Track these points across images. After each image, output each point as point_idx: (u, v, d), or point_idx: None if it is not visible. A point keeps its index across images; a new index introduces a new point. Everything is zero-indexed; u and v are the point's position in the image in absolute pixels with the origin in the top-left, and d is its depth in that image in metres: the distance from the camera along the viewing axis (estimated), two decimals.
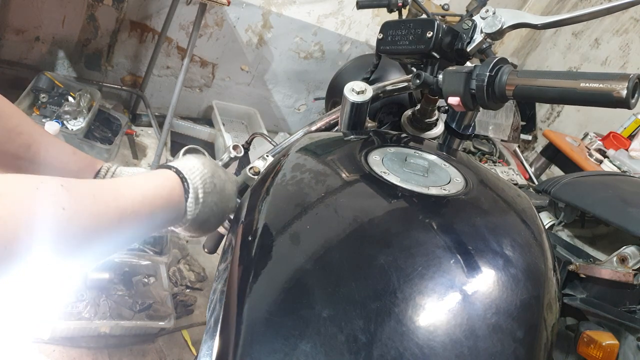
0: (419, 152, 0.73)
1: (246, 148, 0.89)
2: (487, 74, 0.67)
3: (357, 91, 0.81)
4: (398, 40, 0.83)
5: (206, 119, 3.18)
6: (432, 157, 0.72)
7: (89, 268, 0.49)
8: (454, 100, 0.71)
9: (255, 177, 0.78)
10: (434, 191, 0.62)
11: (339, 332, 0.43)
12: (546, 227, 1.17)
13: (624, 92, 0.54)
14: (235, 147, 0.87)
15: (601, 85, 0.56)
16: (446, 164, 0.70)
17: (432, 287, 0.48)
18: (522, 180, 2.28)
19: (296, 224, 0.55)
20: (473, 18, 0.79)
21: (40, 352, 1.55)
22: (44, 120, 2.24)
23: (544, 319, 0.51)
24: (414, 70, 0.85)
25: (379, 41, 0.87)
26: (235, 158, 0.88)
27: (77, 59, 2.67)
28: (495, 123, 2.44)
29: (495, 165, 2.38)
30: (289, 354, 0.42)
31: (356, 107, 0.81)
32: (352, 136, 0.79)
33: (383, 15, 3.05)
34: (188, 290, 2.02)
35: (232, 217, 0.72)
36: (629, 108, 0.55)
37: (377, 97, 0.87)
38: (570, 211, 1.14)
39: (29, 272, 0.41)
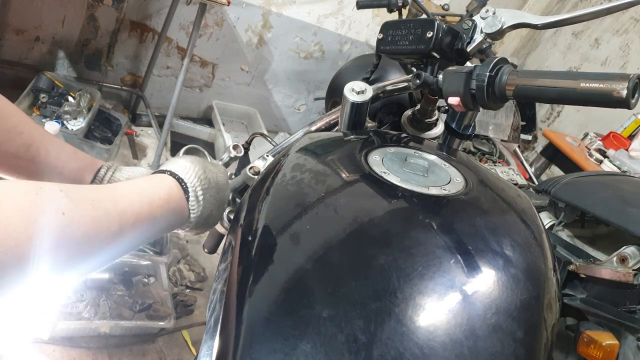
0: (419, 152, 0.73)
1: (246, 148, 0.89)
2: (487, 74, 0.67)
3: (357, 91, 0.81)
4: (398, 40, 0.83)
5: (206, 119, 3.18)
6: (432, 157, 0.72)
7: (91, 273, 0.49)
8: (454, 100, 0.71)
9: (255, 177, 0.78)
10: (434, 191, 0.62)
11: (339, 332, 0.43)
12: (546, 227, 1.17)
13: (624, 92, 0.54)
14: (235, 147, 0.87)
15: (601, 85, 0.55)
16: (446, 164, 0.70)
17: (432, 287, 0.48)
18: (522, 180, 2.28)
19: (296, 224, 0.55)
20: (473, 18, 0.79)
21: (40, 352, 1.55)
22: (44, 120, 2.24)
23: (544, 319, 0.51)
24: (414, 70, 0.85)
25: (379, 41, 0.87)
26: (235, 158, 0.88)
27: (77, 59, 2.67)
28: (495, 123, 2.44)
29: (495, 165, 2.38)
30: (289, 354, 0.42)
31: (356, 107, 0.81)
32: (352, 136, 0.79)
33: (383, 15, 3.05)
34: (188, 290, 2.02)
35: (232, 217, 0.72)
36: (629, 108, 0.55)
37: (377, 97, 0.87)
38: (570, 211, 1.14)
39: (30, 277, 0.41)
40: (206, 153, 0.85)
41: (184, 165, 0.63)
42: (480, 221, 0.59)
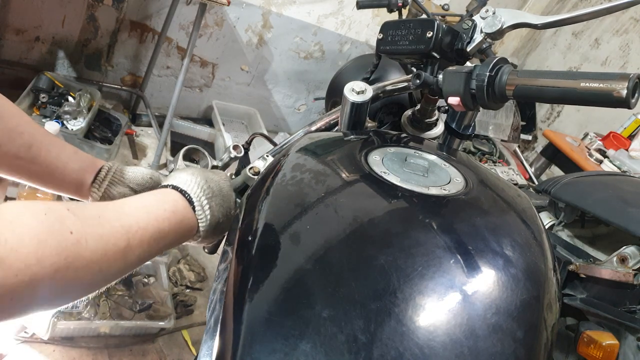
0: (419, 152, 0.73)
1: (246, 148, 0.89)
2: (487, 73, 0.67)
3: (357, 91, 0.81)
4: (398, 40, 0.83)
5: (206, 119, 3.18)
6: (432, 157, 0.72)
7: (101, 290, 0.50)
8: (454, 100, 0.71)
9: (255, 177, 0.78)
10: (434, 191, 0.62)
11: (339, 332, 0.43)
12: (546, 227, 1.17)
13: (624, 92, 0.54)
14: (235, 147, 0.87)
15: (601, 85, 0.55)
16: (446, 164, 0.70)
17: (432, 287, 0.48)
18: (522, 180, 2.28)
19: (296, 224, 0.54)
20: (473, 18, 0.79)
21: (40, 352, 1.55)
22: (44, 120, 2.24)
23: (544, 319, 0.51)
24: (414, 70, 0.85)
25: (379, 41, 0.87)
26: (235, 158, 0.88)
27: (77, 59, 2.67)
28: (495, 123, 2.44)
29: (495, 165, 2.38)
30: (289, 354, 0.42)
31: (356, 107, 0.81)
32: (352, 136, 0.79)
33: (383, 15, 3.05)
34: (188, 290, 2.02)
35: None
36: (629, 108, 0.55)
37: (377, 97, 0.87)
38: (570, 211, 1.14)
39: (40, 299, 0.41)
40: (206, 153, 0.85)
41: (185, 177, 0.64)
42: (480, 221, 0.59)
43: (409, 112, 0.93)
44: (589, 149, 2.59)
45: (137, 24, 2.68)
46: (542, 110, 3.46)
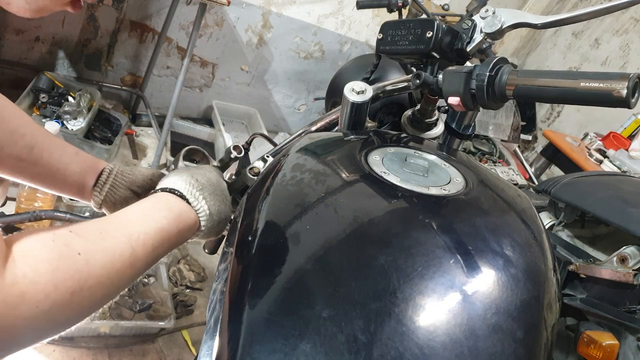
0: (419, 152, 0.73)
1: (246, 148, 0.89)
2: (487, 73, 0.67)
3: (357, 91, 0.81)
4: (398, 40, 0.83)
5: (206, 119, 3.18)
6: (432, 157, 0.72)
7: (114, 299, 0.51)
8: (454, 100, 0.71)
9: (255, 177, 0.78)
10: (434, 191, 0.62)
11: (339, 332, 0.43)
12: (546, 227, 1.17)
13: (624, 92, 0.54)
14: (235, 148, 0.87)
15: (601, 85, 0.55)
16: (446, 164, 0.70)
17: (432, 287, 0.48)
18: (522, 180, 2.28)
19: (296, 224, 0.55)
20: (473, 18, 0.79)
21: (40, 352, 1.55)
22: (44, 120, 2.24)
23: (544, 319, 0.51)
24: (414, 70, 0.85)
25: (378, 41, 0.87)
26: (235, 158, 0.88)
27: (77, 59, 2.67)
28: (495, 123, 2.44)
29: (495, 165, 2.38)
30: (289, 354, 0.42)
31: (356, 107, 0.81)
32: (352, 136, 0.79)
33: (383, 15, 3.05)
34: (188, 290, 2.02)
35: (232, 217, 0.72)
36: (629, 107, 0.55)
37: (377, 97, 0.87)
38: (570, 211, 1.14)
39: (60, 324, 0.43)
40: (206, 154, 0.85)
41: (170, 179, 0.65)
42: (480, 221, 0.59)
43: (409, 112, 0.93)
44: (589, 149, 2.59)
45: (137, 24, 2.68)
46: (542, 110, 3.46)
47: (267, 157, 0.84)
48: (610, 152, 2.55)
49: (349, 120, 0.83)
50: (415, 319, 0.45)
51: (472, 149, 2.44)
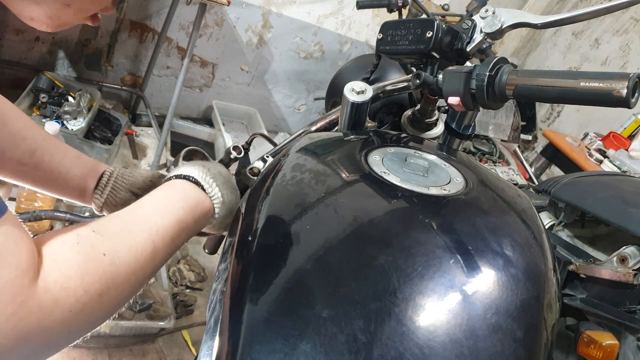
0: (419, 152, 0.73)
1: (246, 148, 0.89)
2: (487, 73, 0.67)
3: (357, 91, 0.81)
4: (398, 40, 0.83)
5: (206, 119, 3.17)
6: (432, 157, 0.72)
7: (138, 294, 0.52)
8: (454, 100, 0.71)
9: (255, 177, 0.78)
10: (434, 191, 0.62)
11: (339, 332, 0.43)
12: (546, 227, 1.17)
13: (624, 92, 0.53)
14: (235, 148, 0.87)
15: (601, 85, 0.55)
16: (446, 164, 0.70)
17: (432, 287, 0.48)
18: (522, 180, 2.28)
19: (296, 224, 0.54)
20: (473, 18, 0.79)
21: None
22: (44, 120, 2.24)
23: (544, 319, 0.51)
24: (414, 70, 0.85)
25: (378, 41, 0.87)
26: (235, 159, 0.88)
27: (77, 59, 2.67)
28: (495, 123, 2.44)
29: (495, 165, 2.37)
30: (289, 354, 0.42)
31: (356, 107, 0.81)
32: (352, 136, 0.79)
33: (383, 15, 3.05)
34: (188, 290, 2.02)
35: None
36: (629, 107, 0.55)
37: (377, 97, 0.87)
38: (570, 211, 1.14)
39: (90, 327, 0.45)
40: (206, 154, 0.85)
41: (185, 167, 0.65)
42: (480, 221, 0.59)
43: (409, 112, 0.93)
44: (589, 149, 2.59)
45: (137, 24, 2.68)
46: (542, 110, 3.46)
47: (267, 157, 0.84)
48: (610, 152, 2.55)
49: (349, 120, 0.83)
50: (415, 319, 0.45)
51: (472, 149, 2.44)
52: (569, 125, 3.25)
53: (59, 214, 1.08)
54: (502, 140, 2.49)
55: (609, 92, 0.55)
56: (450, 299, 0.47)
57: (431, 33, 0.77)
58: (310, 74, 3.31)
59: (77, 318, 0.40)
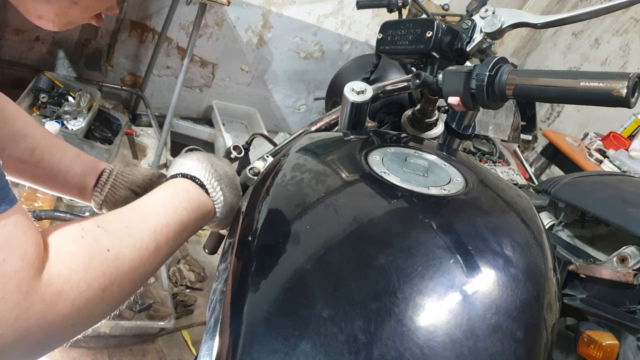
0: (419, 152, 0.73)
1: (246, 148, 0.89)
2: (487, 73, 0.67)
3: (357, 91, 0.81)
4: (398, 40, 0.83)
5: (206, 119, 3.18)
6: (432, 157, 0.72)
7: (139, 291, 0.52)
8: (453, 100, 0.71)
9: (255, 177, 0.78)
10: (434, 191, 0.62)
11: (339, 332, 0.43)
12: (546, 227, 1.17)
13: (624, 91, 0.53)
14: (235, 148, 0.87)
15: (601, 85, 0.55)
16: (446, 164, 0.70)
17: (432, 287, 0.48)
18: (522, 180, 2.28)
19: (296, 224, 0.54)
20: (473, 18, 0.79)
21: None
22: (44, 120, 2.24)
23: (544, 319, 0.51)
24: (414, 70, 0.85)
25: (378, 41, 0.87)
26: (235, 158, 0.88)
27: (77, 59, 2.67)
28: (495, 123, 2.44)
29: (495, 165, 2.38)
30: (289, 354, 0.42)
31: (356, 107, 0.81)
32: (352, 136, 0.79)
33: (383, 15, 3.05)
34: (188, 290, 2.02)
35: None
36: (629, 107, 0.55)
37: (377, 97, 0.87)
38: (570, 211, 1.14)
39: (93, 321, 0.44)
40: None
41: (192, 164, 0.65)
42: (480, 221, 0.59)
43: (409, 112, 0.93)
44: (589, 149, 2.59)
45: (137, 24, 2.68)
46: (542, 110, 3.46)
47: (267, 157, 0.84)
48: (610, 152, 2.55)
49: (349, 120, 0.83)
50: (415, 319, 0.45)
51: (472, 149, 2.44)
52: (569, 125, 3.25)
53: (59, 214, 1.08)
54: (502, 140, 2.49)
55: (609, 92, 0.55)
56: (450, 299, 0.47)
57: (431, 33, 0.77)
58: (310, 74, 3.31)
59: (79, 312, 0.40)
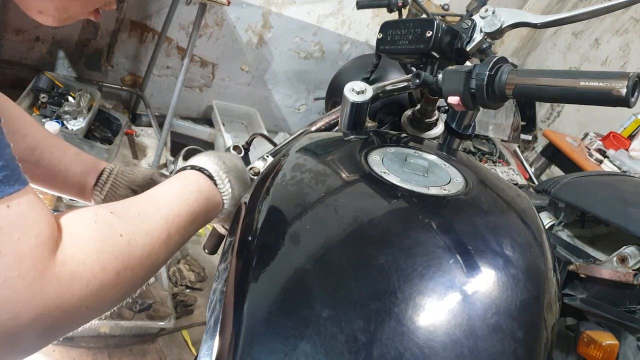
0: (419, 152, 0.73)
1: (246, 148, 0.89)
2: (487, 73, 0.67)
3: (357, 91, 0.81)
4: (398, 40, 0.83)
5: (206, 119, 3.18)
6: (432, 157, 0.72)
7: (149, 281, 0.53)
8: (453, 99, 0.71)
9: (255, 177, 0.78)
10: (434, 191, 0.62)
11: (339, 332, 0.43)
12: (546, 227, 1.17)
13: (624, 91, 0.53)
14: (235, 148, 0.87)
15: (601, 84, 0.55)
16: (446, 164, 0.70)
17: (432, 287, 0.48)
18: (522, 180, 2.28)
19: (296, 224, 0.54)
20: (473, 17, 0.79)
21: (40, 352, 1.55)
22: (44, 120, 2.24)
23: (544, 319, 0.51)
24: (414, 70, 0.85)
25: (378, 41, 0.87)
26: None
27: (77, 59, 2.67)
28: (495, 123, 2.44)
29: (495, 165, 2.38)
30: (289, 354, 0.42)
31: (356, 107, 0.81)
32: (352, 136, 0.79)
33: (383, 15, 3.05)
34: (188, 290, 2.02)
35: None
36: (629, 107, 0.55)
37: (377, 97, 0.87)
38: (570, 211, 1.14)
39: (106, 305, 0.45)
40: None
41: (202, 158, 0.66)
42: (480, 221, 0.59)
43: (409, 112, 0.93)
44: (589, 149, 2.59)
45: (137, 24, 2.68)
46: (542, 110, 3.46)
47: (267, 157, 0.84)
48: (610, 152, 2.55)
49: (349, 120, 0.83)
50: (415, 319, 0.45)
51: (472, 149, 2.44)
52: (569, 125, 3.25)
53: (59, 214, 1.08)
54: (502, 140, 2.49)
55: (609, 92, 0.55)
56: (450, 299, 0.47)
57: (431, 33, 0.77)
58: (310, 74, 3.31)
59: (94, 294, 0.40)
